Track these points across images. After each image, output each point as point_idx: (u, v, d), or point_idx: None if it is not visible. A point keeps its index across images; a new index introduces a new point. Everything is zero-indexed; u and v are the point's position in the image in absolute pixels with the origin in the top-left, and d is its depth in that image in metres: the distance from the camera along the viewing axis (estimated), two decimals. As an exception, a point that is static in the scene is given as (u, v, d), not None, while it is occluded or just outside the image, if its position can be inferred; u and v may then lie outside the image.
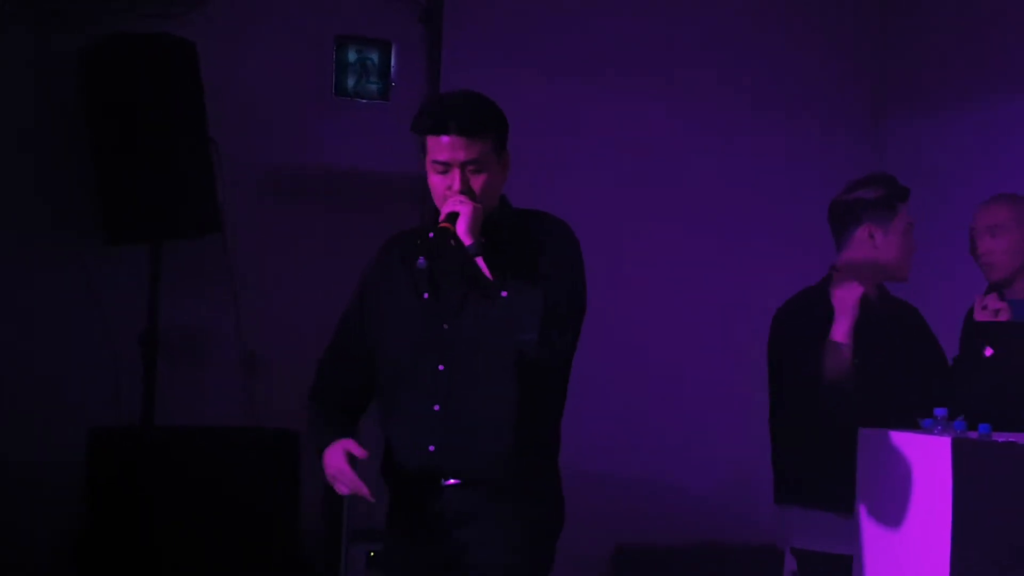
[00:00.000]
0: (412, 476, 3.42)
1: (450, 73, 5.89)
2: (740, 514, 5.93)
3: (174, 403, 5.24)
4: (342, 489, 3.39)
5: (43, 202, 5.30)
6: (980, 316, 4.23)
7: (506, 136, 3.44)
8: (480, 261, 3.30)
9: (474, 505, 3.39)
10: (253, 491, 4.96)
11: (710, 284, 6.27)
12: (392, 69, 5.96)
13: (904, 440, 3.78)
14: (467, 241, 3.28)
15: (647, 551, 6.05)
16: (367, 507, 3.44)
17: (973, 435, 3.74)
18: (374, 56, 5.95)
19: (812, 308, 4.18)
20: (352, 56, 5.92)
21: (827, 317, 4.06)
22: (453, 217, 3.31)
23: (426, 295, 3.44)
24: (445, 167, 3.37)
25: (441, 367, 3.40)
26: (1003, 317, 4.21)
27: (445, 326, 3.41)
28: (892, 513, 3.77)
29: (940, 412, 3.76)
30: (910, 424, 4.11)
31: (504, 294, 3.29)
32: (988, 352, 4.25)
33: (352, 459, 3.35)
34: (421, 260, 3.38)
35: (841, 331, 4.03)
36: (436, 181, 3.41)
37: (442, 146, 3.36)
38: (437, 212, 3.42)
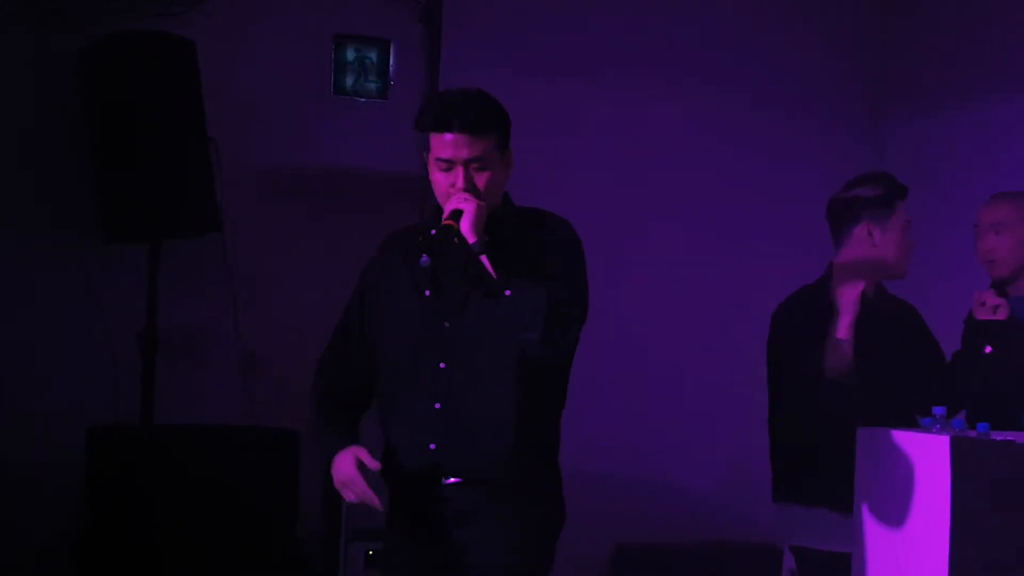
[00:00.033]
0: (412, 475, 3.42)
1: (449, 72, 5.90)
2: (740, 513, 5.95)
3: (173, 403, 5.25)
4: (351, 497, 3.40)
5: (42, 201, 5.30)
6: (979, 312, 4.25)
7: (509, 134, 3.44)
8: (484, 259, 3.30)
9: (474, 504, 3.39)
10: (252, 490, 4.95)
11: (710, 284, 6.28)
12: (391, 68, 5.97)
13: (903, 439, 3.80)
14: (471, 239, 3.28)
15: (647, 550, 6.06)
16: (366, 506, 3.44)
17: (972, 434, 3.76)
18: (373, 55, 5.96)
19: (812, 305, 4.20)
20: (351, 55, 5.92)
21: (827, 314, 4.08)
22: (457, 215, 3.31)
23: (427, 293, 3.44)
24: (449, 165, 3.37)
25: (442, 365, 3.40)
26: (1002, 313, 4.24)
27: (446, 324, 3.41)
28: (891, 511, 3.79)
29: (939, 411, 3.78)
30: (909, 422, 4.14)
31: (507, 293, 3.29)
32: (987, 350, 4.28)
33: (362, 467, 3.36)
34: (425, 258, 3.38)
35: (843, 328, 4.04)
36: (439, 178, 3.40)
37: (446, 143, 3.35)
38: (439, 209, 3.43)
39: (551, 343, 3.31)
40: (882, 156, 6.47)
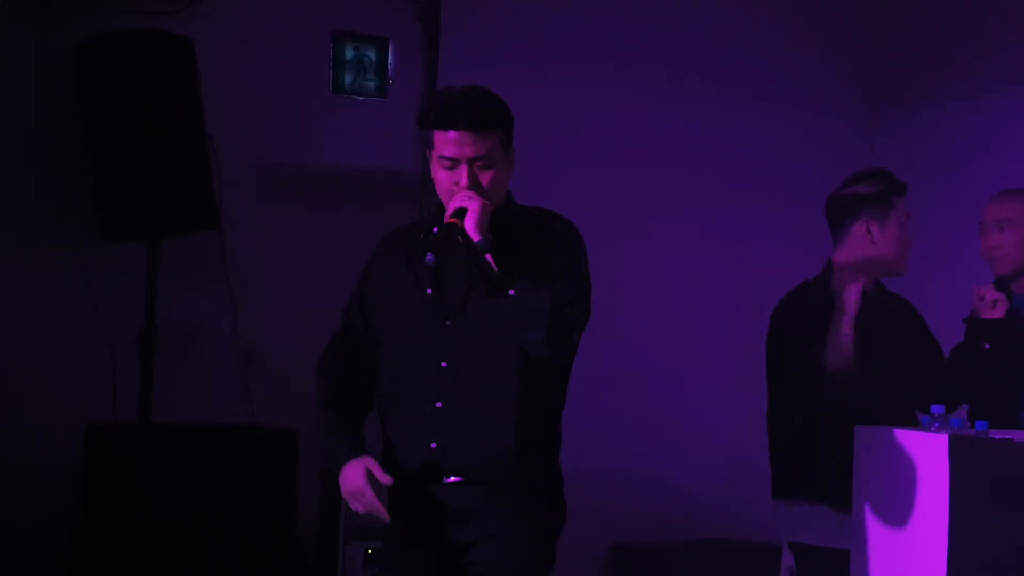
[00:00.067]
0: (413, 474, 3.42)
1: (448, 71, 5.91)
2: (738, 512, 5.96)
3: (172, 401, 5.26)
4: (358, 508, 3.40)
5: (41, 199, 5.31)
6: (978, 307, 4.27)
7: (512, 131, 3.45)
8: (488, 258, 3.30)
9: (475, 504, 3.40)
10: (250, 488, 4.95)
11: (710, 284, 6.30)
12: (390, 66, 5.97)
13: (902, 437, 3.82)
14: (476, 237, 3.27)
15: (645, 549, 6.08)
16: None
17: (970, 432, 3.78)
18: (371, 53, 5.96)
19: (812, 302, 4.23)
20: (349, 53, 5.93)
21: (827, 310, 4.11)
22: (461, 213, 3.30)
23: (429, 291, 3.44)
24: (452, 163, 3.37)
25: (444, 364, 3.40)
26: (1000, 308, 4.25)
27: (448, 323, 3.41)
28: (890, 510, 3.82)
29: (937, 409, 3.80)
30: (909, 419, 4.16)
31: (511, 292, 3.29)
32: (986, 346, 4.31)
33: (372, 478, 3.36)
34: (429, 256, 3.38)
35: (844, 324, 4.07)
36: (442, 176, 3.40)
37: (449, 141, 3.35)
38: (441, 207, 3.44)
39: (555, 343, 3.31)
40: (881, 155, 6.49)
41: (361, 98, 5.94)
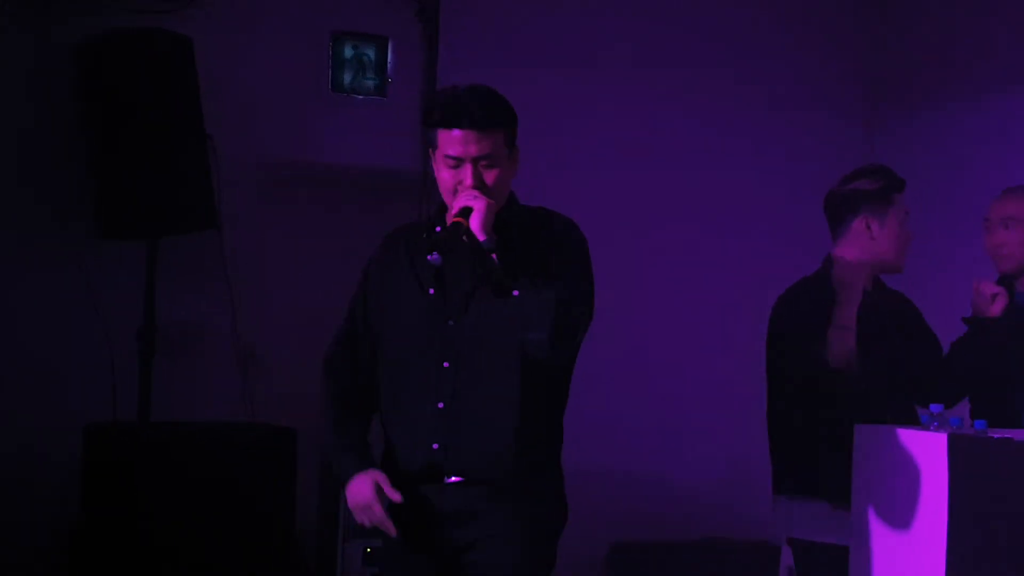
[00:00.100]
0: (414, 475, 3.42)
1: (447, 69, 5.93)
2: (737, 511, 5.98)
3: (171, 400, 5.27)
4: (364, 520, 3.42)
5: (40, 199, 5.32)
6: (977, 301, 4.29)
7: (516, 131, 3.44)
8: (493, 258, 3.29)
9: (475, 503, 3.40)
10: (249, 487, 4.97)
11: (710, 284, 6.32)
12: (389, 65, 5.99)
13: (901, 436, 3.83)
14: (481, 237, 3.27)
15: (645, 548, 6.10)
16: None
17: (969, 431, 3.80)
18: (371, 52, 5.98)
19: (812, 296, 4.24)
20: (348, 52, 5.95)
21: (828, 305, 4.12)
22: (466, 212, 3.29)
23: (432, 291, 3.44)
24: (457, 162, 3.36)
25: (446, 364, 3.40)
26: (999, 302, 4.28)
27: (450, 323, 3.41)
28: (889, 508, 3.83)
29: (936, 408, 3.82)
30: (910, 414, 4.18)
31: (515, 293, 3.29)
32: (987, 342, 4.34)
33: (381, 493, 3.38)
34: (435, 256, 3.37)
35: (847, 315, 4.08)
36: (446, 175, 3.39)
37: (454, 140, 3.34)
38: (443, 206, 3.44)
39: (558, 344, 3.31)
40: (881, 154, 6.50)
41: (360, 97, 5.96)
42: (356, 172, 5.83)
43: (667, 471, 6.16)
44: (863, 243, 4.29)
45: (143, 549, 4.82)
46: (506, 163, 3.40)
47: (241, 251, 5.56)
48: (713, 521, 6.15)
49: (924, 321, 4.45)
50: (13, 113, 5.24)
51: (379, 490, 3.38)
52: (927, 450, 3.72)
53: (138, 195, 5.08)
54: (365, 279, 3.60)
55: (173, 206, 5.14)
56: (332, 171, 5.80)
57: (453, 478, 3.41)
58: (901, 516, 3.79)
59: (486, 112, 3.36)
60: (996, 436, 3.81)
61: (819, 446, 4.16)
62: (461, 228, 3.28)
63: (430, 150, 3.44)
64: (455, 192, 3.37)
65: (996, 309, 4.29)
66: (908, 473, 3.77)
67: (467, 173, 3.35)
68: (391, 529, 3.38)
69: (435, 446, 3.39)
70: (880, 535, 3.84)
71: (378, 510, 3.37)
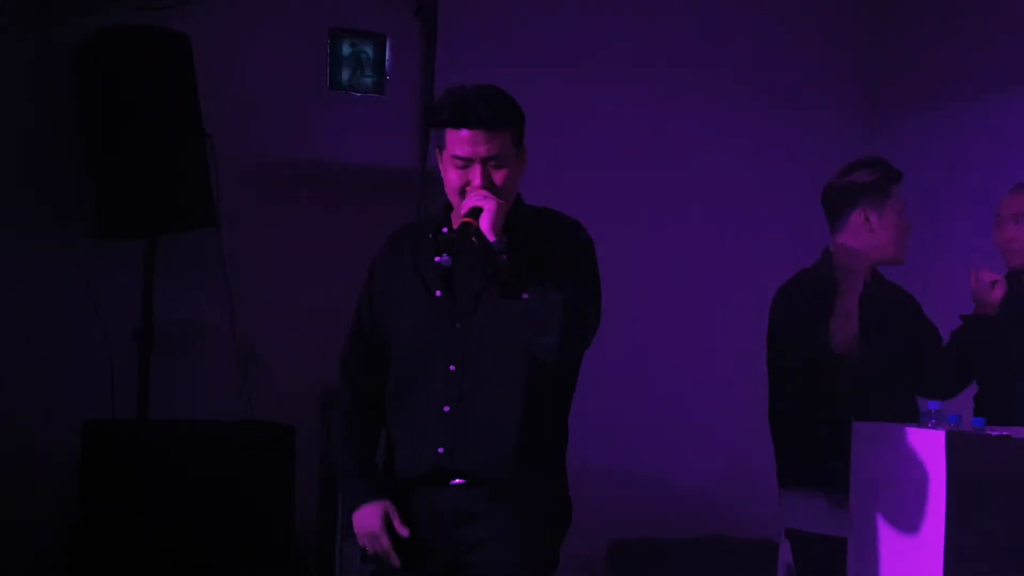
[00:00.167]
0: (418, 477, 3.43)
1: (445, 67, 5.95)
2: (736, 509, 6.02)
3: (170, 398, 5.30)
4: (368, 547, 3.45)
5: (38, 198, 5.34)
6: (976, 289, 4.31)
7: (524, 130, 3.43)
8: (504, 259, 3.27)
9: (478, 504, 3.39)
10: (248, 485, 4.99)
11: (710, 283, 6.34)
12: (387, 63, 6.01)
13: (899, 433, 3.88)
14: (491, 238, 3.25)
15: (644, 546, 6.13)
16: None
17: (967, 429, 3.84)
18: (368, 49, 6.00)
19: (812, 287, 4.27)
20: (346, 49, 5.96)
21: (829, 295, 4.14)
22: (476, 212, 3.27)
23: (439, 293, 3.43)
24: (465, 162, 3.34)
25: (452, 368, 3.40)
26: (999, 289, 4.30)
27: (457, 325, 3.41)
28: (887, 506, 3.87)
29: (934, 405, 3.85)
30: (910, 407, 4.21)
31: (525, 295, 3.28)
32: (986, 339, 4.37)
33: (389, 524, 3.40)
34: (446, 258, 3.38)
35: (850, 301, 4.11)
36: (453, 176, 3.38)
37: (462, 140, 3.33)
38: (448, 206, 3.44)
39: (568, 348, 3.32)
40: (880, 153, 6.50)
41: (358, 94, 5.97)
42: (354, 170, 5.85)
43: (666, 470, 6.17)
44: (862, 235, 4.31)
45: (142, 547, 4.84)
46: (514, 163, 3.40)
47: (239, 249, 5.58)
48: (712, 519, 6.18)
49: (923, 313, 4.48)
50: (12, 111, 5.26)
51: (388, 522, 3.41)
52: (925, 448, 3.76)
53: (136, 193, 5.10)
54: (371, 279, 3.59)
55: (171, 204, 5.16)
56: (330, 169, 5.82)
57: (457, 480, 3.41)
58: (899, 513, 3.82)
59: (494, 112, 3.35)
60: (994, 433, 3.85)
61: (820, 438, 4.19)
62: (470, 229, 3.27)
63: (436, 150, 3.43)
64: (462, 192, 3.36)
65: (996, 296, 4.31)
66: (906, 470, 3.81)
67: (476, 173, 3.34)
68: (395, 561, 3.40)
69: (440, 450, 3.39)
70: (878, 532, 3.87)
71: (385, 542, 3.40)
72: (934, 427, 3.80)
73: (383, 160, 5.86)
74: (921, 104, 6.47)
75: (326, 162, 5.82)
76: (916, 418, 4.06)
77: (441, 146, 3.40)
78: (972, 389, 4.56)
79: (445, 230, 3.44)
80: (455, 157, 3.35)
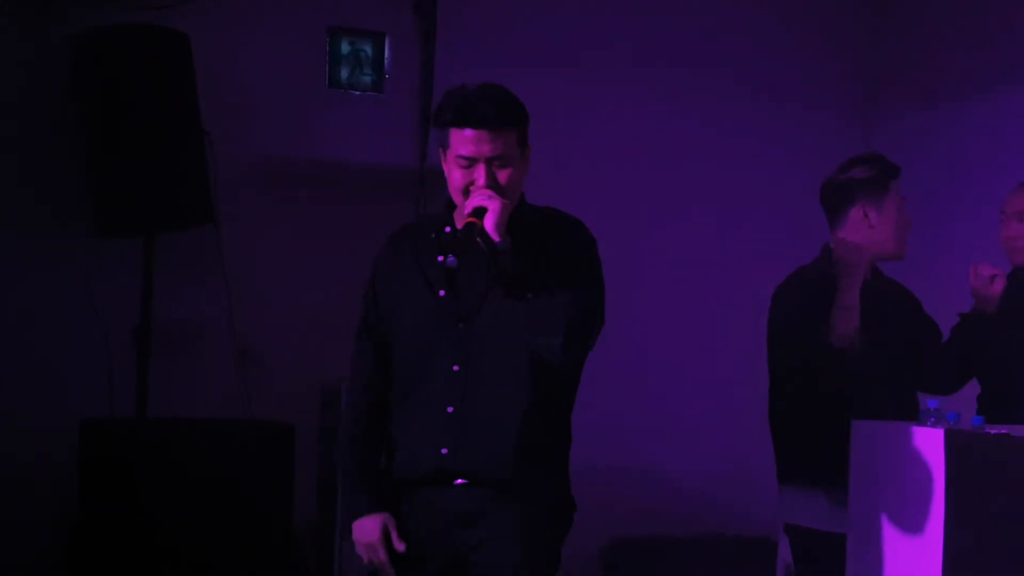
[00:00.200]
0: (421, 477, 3.43)
1: (444, 66, 5.97)
2: (735, 507, 6.04)
3: (168, 397, 5.32)
4: (365, 557, 3.46)
5: (36, 195, 5.38)
6: (974, 284, 4.32)
7: (527, 130, 3.44)
8: (510, 259, 3.28)
9: (481, 504, 3.39)
10: (247, 484, 5.03)
11: (710, 283, 6.37)
12: (386, 61, 6.04)
13: (897, 431, 3.89)
14: (496, 238, 3.26)
15: (642, 543, 6.16)
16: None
17: (966, 427, 3.85)
18: (367, 48, 6.03)
19: (812, 282, 4.28)
20: (345, 48, 6.00)
21: (828, 291, 4.15)
22: (480, 212, 3.28)
23: (442, 292, 3.43)
24: (470, 162, 3.35)
25: (456, 368, 3.40)
26: (998, 284, 4.31)
27: (460, 325, 3.41)
28: (886, 504, 3.88)
29: (933, 404, 3.87)
30: (911, 403, 4.22)
31: (529, 295, 3.28)
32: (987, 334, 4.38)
33: (388, 538, 3.42)
34: (452, 258, 3.39)
35: (851, 294, 4.12)
36: (457, 176, 3.38)
37: (467, 140, 3.33)
38: (451, 205, 3.46)
39: (573, 348, 3.34)
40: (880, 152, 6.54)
41: (357, 93, 6.01)
42: (353, 168, 5.87)
43: (666, 468, 6.21)
44: (862, 232, 4.31)
45: (142, 545, 4.88)
46: (518, 162, 3.40)
47: (238, 247, 5.61)
48: (712, 518, 6.21)
49: (923, 310, 4.49)
50: (10, 110, 5.29)
51: (387, 534, 3.43)
52: (924, 446, 3.77)
53: (134, 191, 5.13)
54: (373, 278, 3.58)
55: (169, 202, 5.19)
56: (329, 167, 5.84)
57: (459, 480, 3.41)
58: (898, 511, 3.83)
59: (499, 111, 3.35)
60: (993, 432, 3.86)
61: (820, 436, 4.19)
62: (475, 229, 3.27)
63: (440, 149, 3.43)
64: (466, 192, 3.36)
65: (995, 290, 4.32)
66: (905, 468, 3.82)
67: (480, 173, 3.34)
68: (391, 574, 3.43)
69: (444, 450, 3.39)
70: (877, 530, 3.88)
71: (382, 555, 3.43)
72: (933, 425, 3.81)
73: (382, 158, 5.88)
74: (920, 104, 6.50)
75: (325, 160, 5.84)
76: (917, 415, 4.07)
77: (445, 145, 3.40)
78: (975, 390, 4.57)
79: (448, 229, 3.44)
80: (459, 157, 3.36)
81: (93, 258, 5.35)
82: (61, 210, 5.39)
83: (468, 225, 3.28)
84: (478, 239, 3.27)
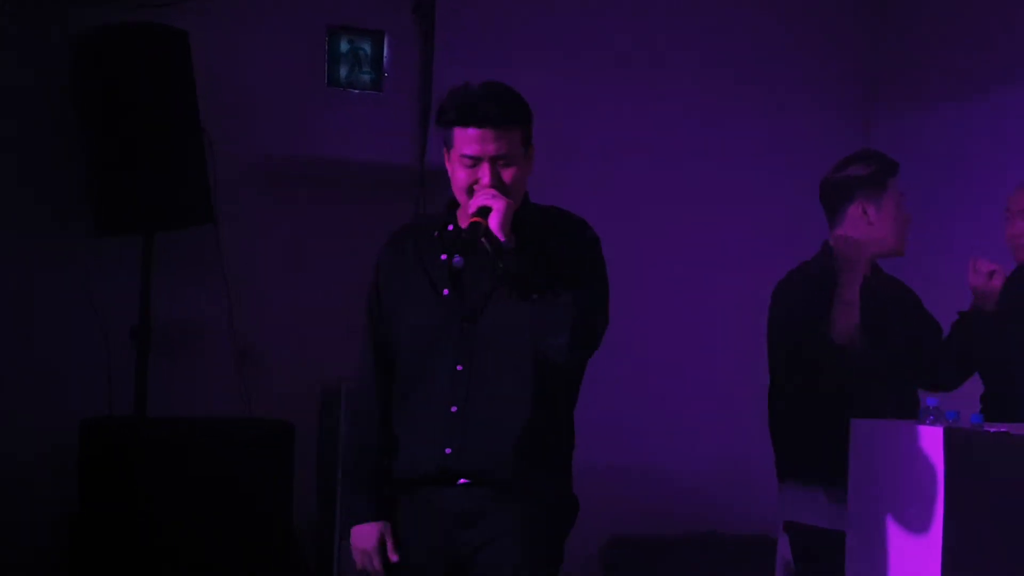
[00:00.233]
0: (424, 477, 3.44)
1: (443, 64, 5.98)
2: (734, 505, 6.06)
3: (167, 395, 5.33)
4: (359, 563, 3.49)
5: (35, 194, 5.39)
6: (973, 279, 4.34)
7: (531, 128, 3.44)
8: (514, 259, 3.29)
9: (483, 504, 3.40)
10: (247, 483, 5.06)
11: (710, 283, 6.38)
12: (385, 59, 6.05)
13: (897, 430, 3.93)
14: (501, 237, 3.27)
15: (642, 542, 6.19)
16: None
17: (965, 425, 3.88)
18: (366, 46, 6.04)
19: (814, 277, 4.30)
20: (344, 46, 6.01)
21: (828, 286, 4.18)
22: (485, 212, 3.29)
23: (446, 292, 3.43)
24: (474, 161, 3.35)
25: (459, 367, 3.40)
26: (997, 280, 4.32)
27: (464, 324, 3.41)
28: (885, 502, 3.91)
29: (932, 402, 3.89)
30: (911, 400, 4.24)
31: (534, 296, 3.29)
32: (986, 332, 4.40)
33: (384, 546, 3.45)
34: (458, 259, 3.39)
35: (850, 291, 4.14)
36: (461, 175, 3.38)
37: (471, 139, 3.34)
38: (453, 203, 3.47)
39: (578, 348, 3.34)
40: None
41: (356, 91, 6.02)
42: (352, 166, 5.89)
43: (665, 467, 6.22)
44: (861, 229, 4.33)
45: (141, 544, 4.89)
46: (523, 161, 3.41)
47: (237, 245, 5.63)
48: (711, 516, 6.23)
49: (923, 307, 4.51)
50: (9, 108, 5.30)
51: (382, 544, 3.46)
52: (923, 444, 3.79)
53: (133, 190, 5.14)
54: (376, 277, 3.58)
55: (168, 201, 5.21)
56: (328, 165, 5.85)
57: (462, 480, 3.42)
58: (897, 509, 3.86)
59: (503, 110, 3.36)
60: (992, 430, 3.88)
61: (820, 433, 4.21)
62: (480, 228, 3.28)
63: (444, 149, 3.44)
64: (470, 191, 3.37)
65: (995, 285, 4.33)
66: (904, 467, 3.84)
67: (485, 172, 3.35)
68: None
69: (448, 450, 3.40)
70: (876, 528, 3.91)
71: (377, 563, 3.46)
72: (932, 423, 3.83)
73: (381, 157, 5.89)
74: (920, 104, 6.52)
75: (324, 159, 5.85)
76: (917, 411, 4.09)
77: (449, 144, 3.41)
78: (976, 388, 4.59)
79: (451, 228, 3.46)
80: (463, 156, 3.37)
81: (93, 257, 5.38)
82: (61, 210, 5.41)
83: (473, 225, 3.29)
84: (483, 239, 3.27)
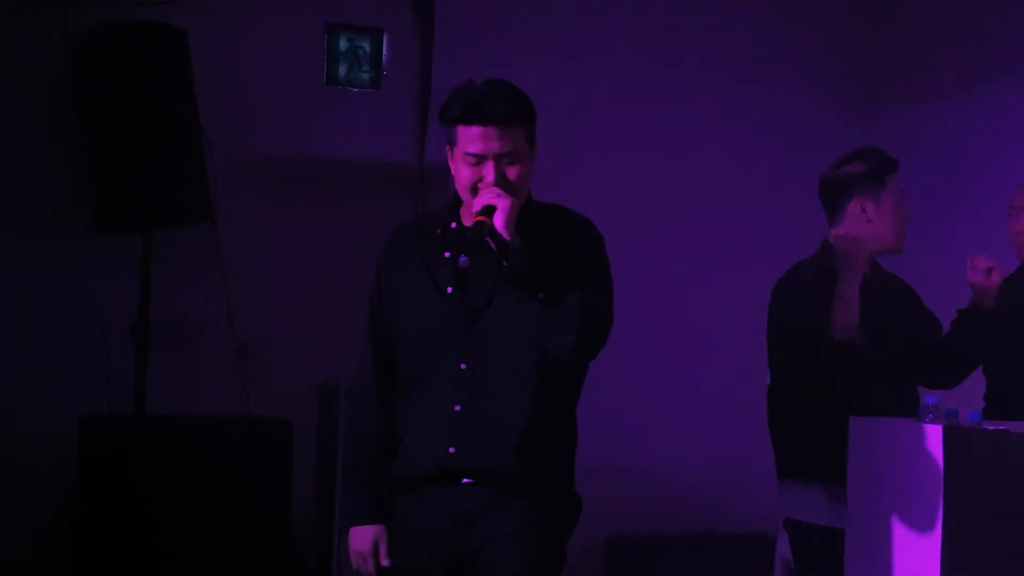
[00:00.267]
0: (427, 476, 3.43)
1: (442, 62, 6.01)
2: (733, 503, 6.07)
3: (167, 393, 5.36)
4: (355, 564, 3.50)
5: (35, 193, 5.42)
6: (972, 277, 4.35)
7: (535, 126, 3.42)
8: (519, 257, 3.26)
9: (486, 503, 3.39)
10: (246, 481, 5.08)
11: (710, 283, 6.40)
12: (384, 58, 6.08)
13: (896, 428, 3.95)
14: (506, 236, 3.24)
15: (641, 540, 6.20)
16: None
17: (965, 423, 3.90)
18: (365, 44, 6.07)
19: (812, 276, 4.32)
20: (343, 44, 6.03)
21: (828, 284, 4.20)
22: (489, 211, 3.27)
23: (450, 290, 3.40)
24: (478, 159, 3.33)
25: (463, 367, 3.39)
26: (995, 277, 4.34)
27: (468, 324, 3.39)
28: (885, 500, 3.93)
29: (931, 400, 3.91)
30: (911, 397, 4.25)
31: (540, 295, 3.27)
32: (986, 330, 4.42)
33: (378, 549, 3.46)
34: (463, 259, 3.34)
35: (850, 287, 4.16)
36: (465, 173, 3.36)
37: (475, 137, 3.32)
38: (456, 200, 3.45)
39: (586, 347, 3.33)
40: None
41: (356, 90, 6.04)
42: (351, 165, 5.91)
43: (665, 466, 6.24)
44: (860, 226, 4.35)
45: (141, 542, 4.92)
46: (527, 159, 3.38)
47: (236, 244, 5.65)
48: (711, 515, 6.24)
49: (923, 304, 4.53)
50: (8, 108, 5.33)
51: (376, 548, 3.46)
52: (923, 442, 3.81)
53: (132, 188, 5.17)
54: (378, 276, 3.56)
55: (167, 199, 5.23)
56: (327, 164, 5.87)
57: (465, 480, 3.40)
58: (897, 507, 3.88)
59: (508, 108, 3.34)
60: (991, 428, 3.90)
61: (819, 431, 4.23)
62: (484, 227, 3.26)
63: (448, 147, 3.41)
64: (474, 189, 3.35)
65: (993, 282, 4.35)
66: (904, 465, 3.87)
67: (489, 170, 3.33)
68: None
69: (451, 450, 3.38)
70: (876, 526, 3.92)
71: (371, 566, 3.46)
72: (931, 421, 3.85)
73: (380, 155, 5.91)
74: (920, 103, 6.54)
75: (323, 157, 5.87)
76: (917, 409, 4.11)
77: (452, 142, 3.39)
78: (976, 387, 4.60)
79: (454, 225, 3.45)
80: (467, 154, 3.35)
81: (92, 256, 5.41)
82: (61, 209, 5.43)
83: (478, 223, 3.27)
84: (488, 238, 3.26)
